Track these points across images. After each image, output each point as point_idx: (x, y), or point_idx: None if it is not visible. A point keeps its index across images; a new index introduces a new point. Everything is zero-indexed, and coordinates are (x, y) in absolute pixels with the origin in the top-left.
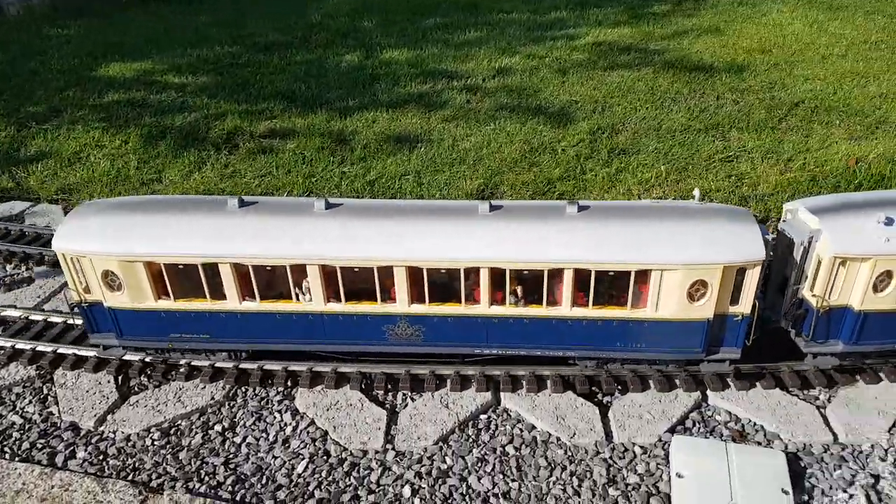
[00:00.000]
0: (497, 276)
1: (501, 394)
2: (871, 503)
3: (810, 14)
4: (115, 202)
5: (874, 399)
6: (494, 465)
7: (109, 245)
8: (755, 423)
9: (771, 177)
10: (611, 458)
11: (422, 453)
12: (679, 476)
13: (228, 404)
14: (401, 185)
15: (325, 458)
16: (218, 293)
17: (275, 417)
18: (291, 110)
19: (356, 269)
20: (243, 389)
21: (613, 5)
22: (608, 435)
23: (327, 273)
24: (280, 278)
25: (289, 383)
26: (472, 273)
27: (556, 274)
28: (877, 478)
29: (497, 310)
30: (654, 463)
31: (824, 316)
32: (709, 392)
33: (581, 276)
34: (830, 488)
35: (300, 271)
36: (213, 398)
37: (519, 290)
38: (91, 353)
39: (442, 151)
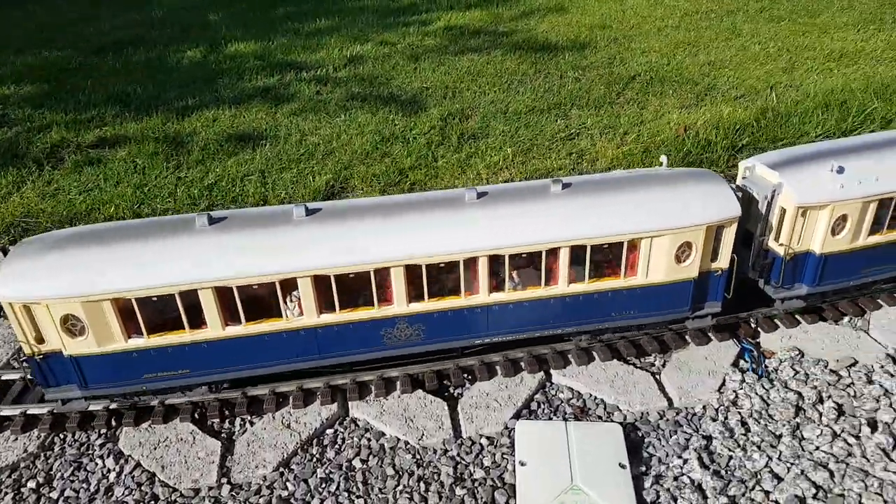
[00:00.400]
0: (495, 263)
1: (349, 403)
2: (704, 464)
3: None
4: (63, 235)
5: (704, 360)
6: (340, 483)
7: (68, 286)
8: (595, 398)
9: (608, 151)
10: (458, 454)
11: (260, 483)
12: (522, 464)
13: (44, 455)
14: (243, 188)
15: (152, 503)
16: (197, 322)
17: (96, 464)
18: (125, 115)
19: (351, 276)
20: (61, 436)
21: None
22: (457, 430)
23: (319, 283)
24: (266, 296)
25: (112, 423)
26: (471, 263)
27: (552, 253)
28: (709, 438)
29: (496, 297)
30: (500, 453)
31: (790, 263)
32: (552, 371)
33: (576, 253)
34: (667, 455)
35: (289, 286)
36: (25, 451)
37: (515, 274)
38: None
39: (289, 147)
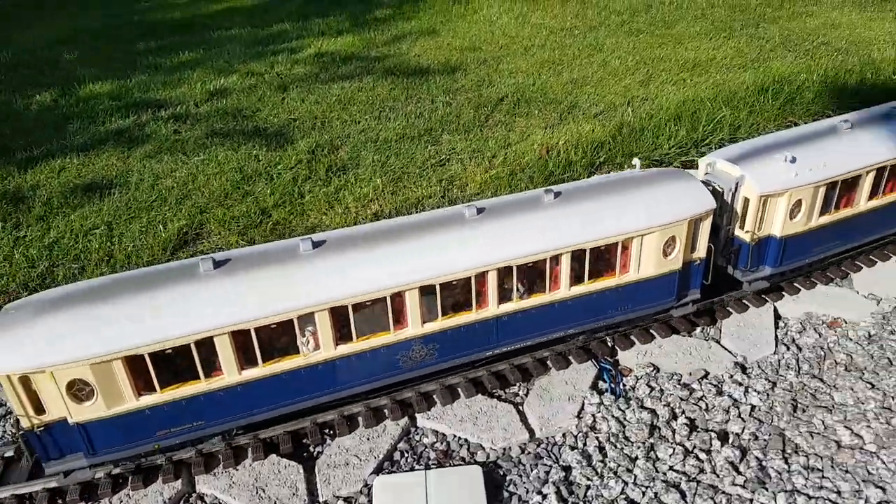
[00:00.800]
0: (503, 275)
1: (195, 478)
2: (563, 498)
3: (516, 7)
4: (52, 297)
5: (565, 385)
6: None
7: (76, 349)
8: (459, 438)
9: (477, 176)
10: None
11: None
12: None
13: None
14: (87, 243)
15: None
16: (211, 370)
17: None
18: None
19: (368, 304)
20: None
21: (336, 14)
22: (313, 495)
23: (336, 315)
24: (281, 335)
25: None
26: (481, 277)
27: (555, 259)
28: (568, 469)
29: (505, 308)
30: None
31: (755, 247)
32: (417, 415)
33: (576, 257)
34: (527, 492)
35: (305, 321)
36: None
37: (520, 283)
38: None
39: (140, 194)
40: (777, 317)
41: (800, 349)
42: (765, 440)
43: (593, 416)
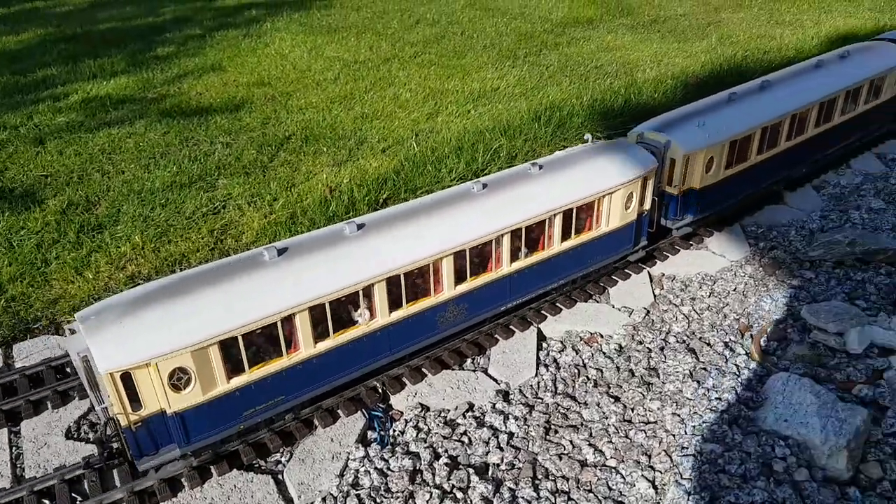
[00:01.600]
0: (514, 238)
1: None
2: None
3: (310, 39)
4: (129, 297)
5: (330, 442)
6: None
7: (174, 340)
8: None
9: (255, 223)
10: None
11: None
12: None
13: None
14: None
15: None
16: (290, 346)
17: None
18: None
19: (415, 271)
20: None
21: (112, 53)
22: None
23: (391, 285)
24: (347, 307)
25: None
26: (499, 240)
27: (550, 220)
28: None
29: (515, 265)
30: None
31: (681, 199)
32: None
33: (566, 217)
34: None
35: (366, 293)
36: None
37: (524, 245)
38: None
39: None
40: (541, 338)
41: (559, 368)
42: (519, 468)
43: (356, 472)
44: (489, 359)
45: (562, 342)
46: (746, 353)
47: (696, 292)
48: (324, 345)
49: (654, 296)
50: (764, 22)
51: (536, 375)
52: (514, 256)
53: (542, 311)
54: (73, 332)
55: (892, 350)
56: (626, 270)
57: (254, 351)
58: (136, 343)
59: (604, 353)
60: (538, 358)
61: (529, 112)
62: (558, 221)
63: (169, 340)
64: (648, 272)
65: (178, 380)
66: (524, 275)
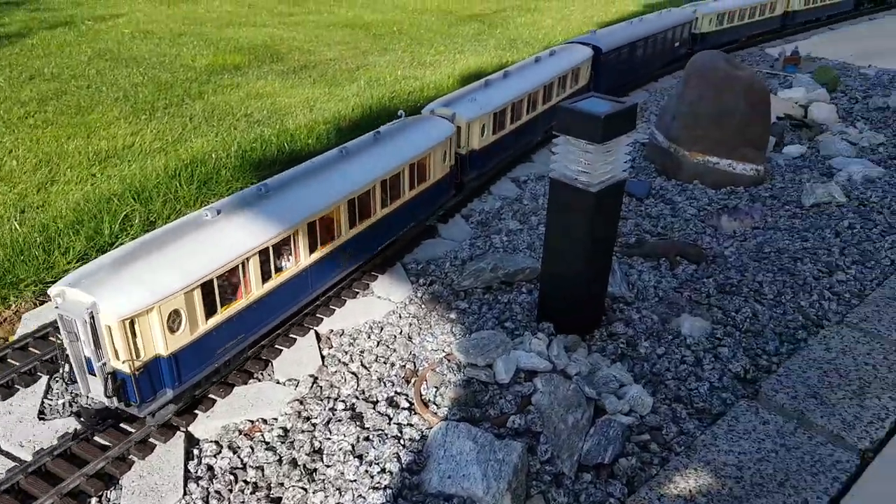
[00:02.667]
0: (383, 187)
1: None
2: None
3: None
4: (114, 257)
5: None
6: None
7: (168, 286)
8: None
9: None
10: None
11: None
12: None
13: None
14: None
15: None
16: (244, 288)
17: None
18: None
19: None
20: None
21: None
22: None
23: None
24: (285, 248)
25: None
26: (374, 191)
27: (402, 173)
28: None
29: (384, 211)
30: None
31: (469, 157)
32: None
33: (411, 168)
34: None
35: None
36: None
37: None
38: None
39: None
40: (192, 443)
41: (213, 478)
42: None
43: None
44: (121, 491)
45: (217, 442)
46: (410, 406)
47: (364, 344)
48: (269, 285)
49: (323, 358)
50: (408, 64)
51: (184, 497)
52: (384, 203)
53: (194, 410)
54: (57, 303)
55: (536, 372)
56: (291, 335)
57: (221, 293)
58: (139, 292)
59: (266, 444)
60: (186, 472)
61: (168, 169)
62: (407, 172)
63: (164, 286)
64: (315, 331)
65: (172, 322)
66: (389, 217)
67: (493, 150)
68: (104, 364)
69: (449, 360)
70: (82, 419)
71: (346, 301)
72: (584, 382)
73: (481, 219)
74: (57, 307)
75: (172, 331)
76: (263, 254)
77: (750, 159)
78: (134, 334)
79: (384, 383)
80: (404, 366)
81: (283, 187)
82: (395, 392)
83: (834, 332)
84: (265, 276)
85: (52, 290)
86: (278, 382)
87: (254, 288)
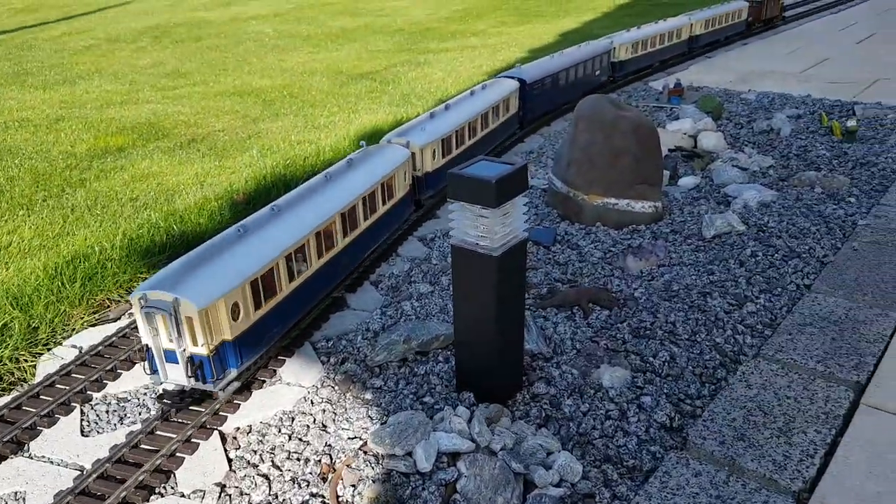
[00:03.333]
0: (365, 202)
1: None
2: None
3: None
4: (184, 262)
5: None
6: None
7: (230, 282)
8: None
9: None
10: None
11: None
12: None
13: None
14: None
15: None
16: (281, 283)
17: None
18: None
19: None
20: None
21: None
22: None
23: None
24: (302, 252)
25: None
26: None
27: (375, 191)
28: None
29: (366, 223)
30: None
31: (424, 179)
32: None
33: (382, 186)
34: None
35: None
36: None
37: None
38: None
39: None
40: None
41: None
42: None
43: None
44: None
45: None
46: None
47: (275, 440)
48: (293, 283)
49: (230, 461)
50: (301, 128)
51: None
52: (366, 215)
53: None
54: (141, 304)
55: (459, 453)
56: (193, 440)
57: (263, 289)
58: (210, 288)
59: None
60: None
61: (48, 269)
62: (379, 189)
63: (228, 283)
64: (219, 432)
65: (234, 312)
66: (371, 230)
67: (444, 173)
68: (184, 350)
69: (366, 453)
70: (165, 400)
71: (252, 393)
72: (510, 458)
73: (391, 283)
74: (142, 308)
75: (235, 319)
76: (288, 256)
77: (647, 196)
78: (209, 323)
79: (298, 484)
80: (319, 460)
81: (292, 203)
82: (311, 494)
83: (752, 368)
84: (291, 277)
85: (132, 296)
86: (182, 496)
87: (284, 289)
